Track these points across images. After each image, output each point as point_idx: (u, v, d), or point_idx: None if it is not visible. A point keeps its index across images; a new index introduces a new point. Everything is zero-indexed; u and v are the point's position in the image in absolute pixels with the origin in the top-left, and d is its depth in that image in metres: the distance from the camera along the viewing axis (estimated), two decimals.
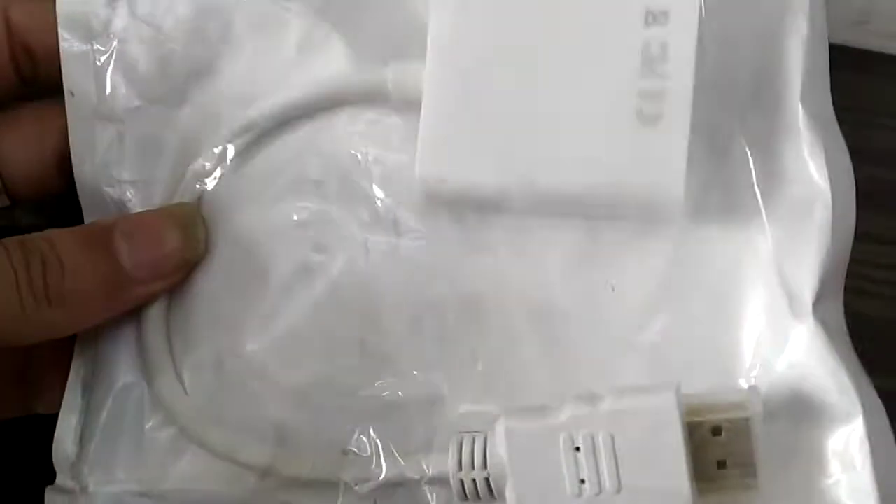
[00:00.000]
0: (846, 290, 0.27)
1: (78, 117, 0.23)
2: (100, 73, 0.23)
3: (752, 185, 0.20)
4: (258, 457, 0.23)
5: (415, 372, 0.22)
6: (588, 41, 0.17)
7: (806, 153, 0.21)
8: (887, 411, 0.25)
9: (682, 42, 0.17)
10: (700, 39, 0.17)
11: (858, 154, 0.37)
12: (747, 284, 0.20)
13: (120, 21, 0.23)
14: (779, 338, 0.20)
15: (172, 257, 0.21)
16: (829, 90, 0.23)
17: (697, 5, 0.17)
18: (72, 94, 0.23)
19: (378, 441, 0.22)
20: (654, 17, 0.17)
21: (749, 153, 0.20)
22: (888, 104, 0.40)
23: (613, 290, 0.20)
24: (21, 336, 0.19)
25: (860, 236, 0.32)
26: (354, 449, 0.23)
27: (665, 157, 0.17)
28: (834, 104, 0.40)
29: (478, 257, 0.21)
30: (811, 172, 0.21)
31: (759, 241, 0.20)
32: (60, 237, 0.20)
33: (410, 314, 0.22)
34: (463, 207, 0.21)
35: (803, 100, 0.21)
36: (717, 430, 0.18)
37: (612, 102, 0.17)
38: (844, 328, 0.23)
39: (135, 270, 0.20)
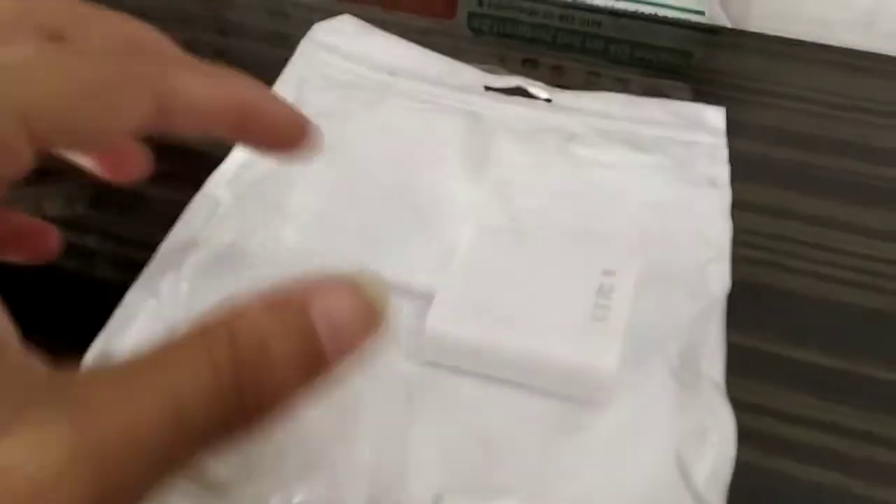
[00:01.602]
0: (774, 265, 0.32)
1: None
2: None
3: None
4: None
5: None
6: (565, 275, 0.27)
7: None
8: (803, 383, 0.28)
9: (622, 285, 0.27)
10: (634, 286, 0.27)
11: (862, 153, 0.38)
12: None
13: None
14: None
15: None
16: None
17: (633, 277, 0.27)
18: None
19: None
20: (607, 272, 0.27)
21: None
22: (892, 104, 0.41)
23: None
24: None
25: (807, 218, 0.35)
26: None
27: (604, 342, 0.25)
28: (836, 105, 0.41)
29: None
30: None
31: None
32: (248, 310, 0.16)
33: None
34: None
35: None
36: None
37: (575, 307, 0.26)
38: None
39: (330, 359, 0.17)
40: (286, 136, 0.22)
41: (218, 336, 0.15)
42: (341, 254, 0.30)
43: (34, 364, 0.15)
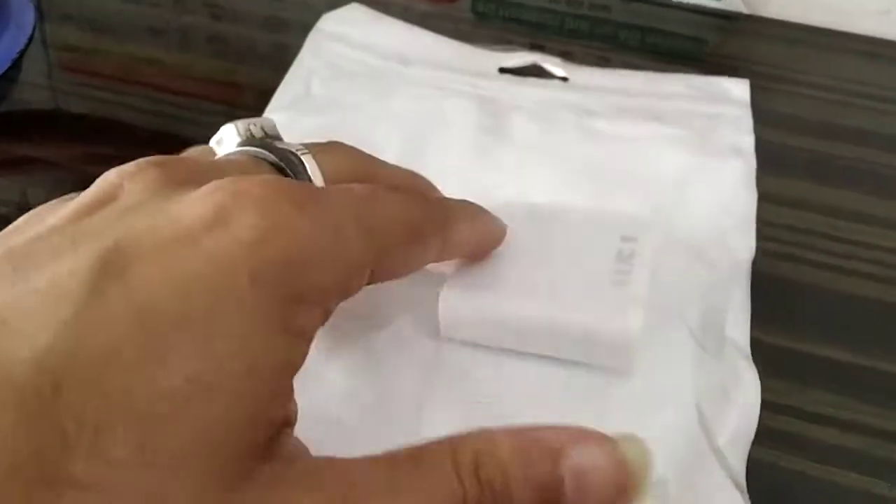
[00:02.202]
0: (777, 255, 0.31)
1: None
2: None
3: None
4: None
5: None
6: (582, 243, 0.26)
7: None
8: (822, 379, 0.27)
9: (642, 250, 0.26)
10: (654, 251, 0.26)
11: (881, 142, 0.37)
12: None
13: None
14: None
15: None
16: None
17: (653, 242, 0.26)
18: None
19: None
20: (626, 238, 0.26)
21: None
22: None
23: None
24: None
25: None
26: None
27: (626, 306, 0.24)
28: (855, 93, 0.40)
29: None
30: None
31: None
32: (499, 444, 0.16)
33: None
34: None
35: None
36: None
37: (594, 274, 0.25)
38: None
39: None
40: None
41: (465, 463, 0.16)
42: None
43: (301, 451, 0.18)
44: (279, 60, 0.40)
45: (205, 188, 0.17)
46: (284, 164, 0.21)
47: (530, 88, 0.37)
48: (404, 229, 0.20)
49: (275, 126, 0.24)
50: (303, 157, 0.21)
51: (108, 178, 0.18)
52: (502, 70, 0.39)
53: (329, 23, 0.41)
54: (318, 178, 0.22)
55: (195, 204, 0.17)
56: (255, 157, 0.21)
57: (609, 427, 0.22)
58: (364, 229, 0.19)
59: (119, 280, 0.15)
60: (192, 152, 0.23)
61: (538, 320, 0.25)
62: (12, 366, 0.14)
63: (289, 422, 0.17)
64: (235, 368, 0.15)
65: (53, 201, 0.19)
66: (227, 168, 0.20)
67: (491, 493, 0.16)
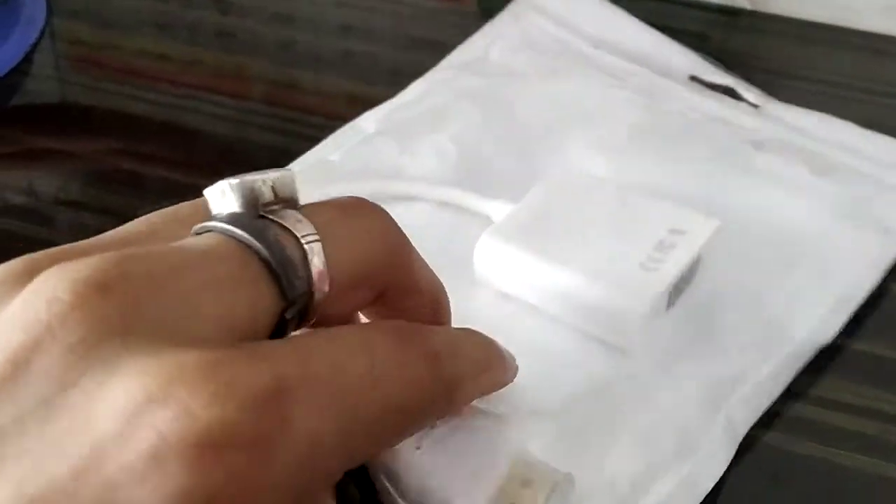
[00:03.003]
0: None
1: None
2: None
3: None
4: None
5: None
6: (630, 224, 0.27)
7: None
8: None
9: (686, 245, 0.26)
10: (700, 248, 0.27)
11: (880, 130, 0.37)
12: None
13: None
14: None
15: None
16: None
17: (701, 240, 0.27)
18: None
19: None
20: (675, 230, 0.27)
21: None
22: None
23: None
24: None
25: None
26: None
27: (641, 290, 0.25)
28: (859, 89, 0.40)
29: None
30: None
31: None
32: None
33: None
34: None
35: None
36: None
37: (627, 254, 0.26)
38: None
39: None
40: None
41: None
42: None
43: None
44: (287, 54, 0.40)
45: (136, 393, 0.13)
46: (278, 266, 0.16)
47: (708, 101, 0.36)
48: (399, 421, 0.17)
49: (291, 182, 0.18)
50: (308, 247, 0.17)
51: (27, 319, 0.14)
52: (692, 78, 0.38)
53: None
54: (322, 284, 0.17)
55: (127, 430, 0.13)
56: (247, 245, 0.17)
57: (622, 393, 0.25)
58: (344, 438, 0.15)
59: None
60: (181, 210, 0.19)
61: (557, 283, 0.26)
62: None
63: None
64: None
65: None
66: (193, 281, 0.15)
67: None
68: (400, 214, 0.20)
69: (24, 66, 0.40)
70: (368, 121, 0.35)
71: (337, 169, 0.32)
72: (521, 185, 0.30)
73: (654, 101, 0.36)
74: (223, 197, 0.17)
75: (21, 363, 0.14)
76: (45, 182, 0.34)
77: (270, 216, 0.17)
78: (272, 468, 0.14)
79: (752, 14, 0.45)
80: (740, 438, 0.25)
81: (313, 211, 0.18)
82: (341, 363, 0.16)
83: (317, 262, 0.17)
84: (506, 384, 0.22)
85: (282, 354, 0.15)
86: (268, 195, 0.18)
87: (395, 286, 0.20)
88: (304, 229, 0.17)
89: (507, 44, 0.38)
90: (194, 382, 0.14)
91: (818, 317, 0.28)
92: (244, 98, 0.39)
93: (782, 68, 0.41)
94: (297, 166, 0.32)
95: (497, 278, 0.27)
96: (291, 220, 0.17)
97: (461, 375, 0.19)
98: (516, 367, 0.22)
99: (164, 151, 0.35)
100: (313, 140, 0.34)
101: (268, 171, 0.18)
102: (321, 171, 0.32)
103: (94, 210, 0.32)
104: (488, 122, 0.34)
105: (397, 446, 0.20)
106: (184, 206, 0.19)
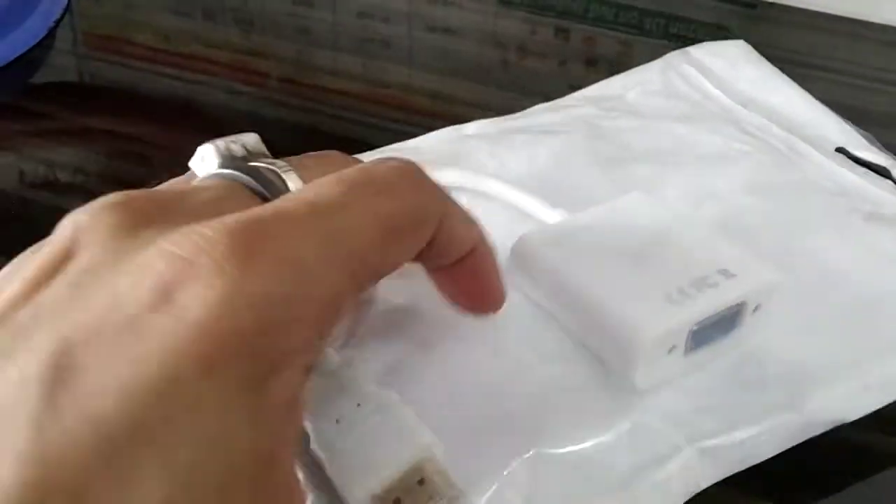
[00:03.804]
0: None
1: None
2: None
3: None
4: None
5: None
6: (677, 255, 0.25)
7: None
8: None
9: (728, 291, 0.24)
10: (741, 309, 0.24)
11: None
12: None
13: None
14: None
15: None
16: None
17: (747, 292, 0.24)
18: None
19: None
20: (723, 272, 0.24)
21: None
22: None
23: None
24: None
25: None
26: None
27: (654, 320, 0.23)
28: (878, 79, 0.40)
29: None
30: None
31: None
32: None
33: None
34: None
35: None
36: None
37: (660, 283, 0.24)
38: None
39: None
40: (477, 291, 0.23)
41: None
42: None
43: None
44: (304, 35, 0.41)
45: (149, 251, 0.16)
46: (263, 185, 0.19)
47: (845, 172, 0.33)
48: (383, 232, 0.18)
49: (258, 142, 0.21)
50: (284, 175, 0.19)
51: (64, 231, 0.17)
52: (839, 150, 0.34)
53: (701, 52, 0.39)
54: None
55: (139, 278, 0.15)
56: (232, 180, 0.19)
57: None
58: (332, 251, 0.17)
59: (70, 388, 0.14)
60: (172, 182, 0.22)
61: (575, 296, 0.25)
62: None
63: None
64: (205, 485, 0.14)
65: (19, 257, 0.17)
66: (195, 200, 0.18)
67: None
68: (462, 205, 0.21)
69: (47, 41, 0.41)
70: (474, 125, 0.34)
71: (418, 154, 0.32)
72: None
73: (784, 163, 0.33)
74: (203, 161, 0.20)
75: (62, 256, 0.16)
76: (65, 155, 0.34)
77: (248, 164, 0.20)
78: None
79: (771, 6, 0.45)
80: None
81: (288, 159, 0.20)
82: (321, 193, 0.18)
83: (292, 184, 0.19)
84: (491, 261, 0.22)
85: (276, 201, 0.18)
86: (240, 151, 0.20)
87: None
88: (277, 164, 0.20)
89: (648, 88, 0.37)
90: (196, 231, 0.16)
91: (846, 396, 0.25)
92: (263, 76, 0.39)
93: (800, 59, 0.41)
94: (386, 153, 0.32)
95: (522, 281, 0.26)
96: (265, 160, 0.20)
97: (452, 208, 0.20)
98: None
99: (180, 128, 0.35)
100: (333, 118, 0.35)
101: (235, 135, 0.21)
102: (400, 153, 0.32)
103: (112, 184, 0.32)
104: (593, 145, 0.33)
105: (318, 415, 0.20)
106: (179, 178, 0.21)
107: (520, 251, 0.26)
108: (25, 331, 0.15)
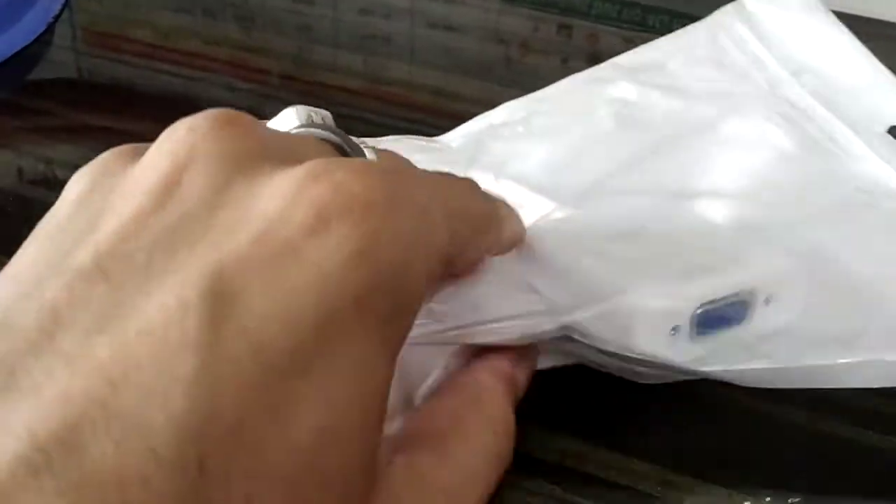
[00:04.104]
0: None
1: None
2: None
3: None
4: None
5: None
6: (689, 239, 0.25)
7: None
8: None
9: (737, 276, 0.24)
10: None
11: None
12: None
13: None
14: None
15: None
16: None
17: (759, 276, 0.24)
18: None
19: None
20: (734, 260, 0.24)
21: None
22: None
23: None
24: None
25: None
26: None
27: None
28: None
29: None
30: None
31: None
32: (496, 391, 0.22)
33: None
34: None
35: None
36: None
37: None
38: None
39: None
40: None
41: (497, 421, 0.22)
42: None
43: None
44: (304, 31, 0.40)
45: (296, 176, 0.15)
46: (349, 148, 0.19)
47: (881, 167, 0.30)
48: (476, 217, 0.20)
49: (331, 118, 0.21)
50: (364, 150, 0.20)
51: (172, 146, 0.16)
52: (892, 130, 0.32)
53: (756, 1, 0.36)
54: None
55: (293, 202, 0.15)
56: (320, 139, 0.19)
57: None
58: (446, 214, 0.18)
59: (232, 315, 0.13)
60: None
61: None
62: (153, 435, 0.12)
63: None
64: (352, 413, 0.14)
65: (100, 168, 0.17)
66: (299, 144, 0.18)
67: (510, 438, 0.21)
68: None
69: (45, 37, 0.40)
70: (504, 109, 0.33)
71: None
72: None
73: (810, 154, 0.31)
74: (286, 122, 0.20)
75: (174, 177, 0.15)
76: (64, 152, 0.34)
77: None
78: (404, 222, 0.16)
79: None
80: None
81: None
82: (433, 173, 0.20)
83: (370, 156, 0.19)
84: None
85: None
86: (319, 120, 0.20)
87: None
88: (355, 139, 0.20)
89: (692, 55, 0.34)
90: (340, 168, 0.16)
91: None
92: (263, 73, 0.39)
93: None
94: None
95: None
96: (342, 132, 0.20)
97: (505, 210, 0.23)
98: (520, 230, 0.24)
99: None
100: (334, 115, 0.34)
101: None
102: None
103: None
104: (618, 136, 0.31)
105: None
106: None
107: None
108: (166, 256, 0.14)
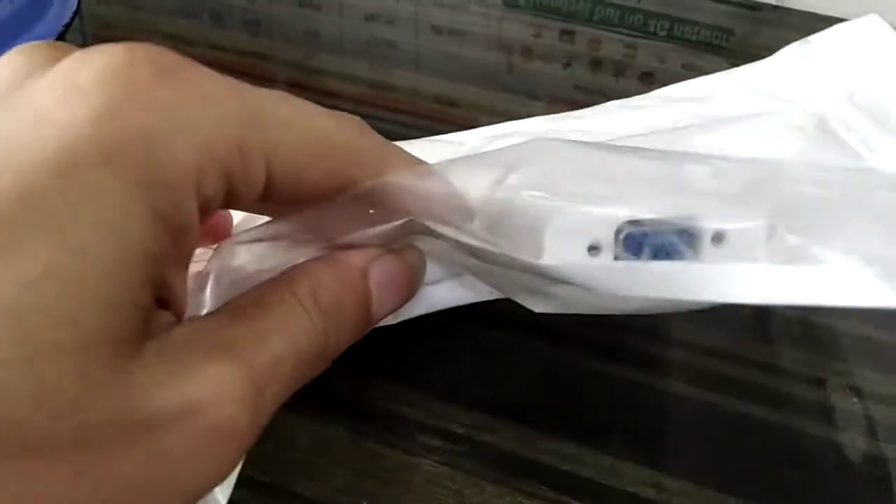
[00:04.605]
0: None
1: None
2: None
3: None
4: None
5: None
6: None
7: None
8: None
9: (680, 204, 0.21)
10: None
11: None
12: None
13: None
14: None
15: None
16: None
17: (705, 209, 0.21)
18: None
19: None
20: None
21: None
22: None
23: None
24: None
25: None
26: None
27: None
28: None
29: None
30: None
31: None
32: (322, 275, 0.20)
33: None
34: None
35: None
36: None
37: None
38: None
39: (375, 318, 0.21)
40: None
41: (305, 295, 0.19)
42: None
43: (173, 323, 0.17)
44: (310, 38, 0.41)
45: (65, 62, 0.16)
46: None
47: None
48: (324, 141, 0.19)
49: None
50: None
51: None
52: None
53: (823, 40, 0.34)
54: None
55: (51, 80, 0.16)
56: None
57: None
58: (248, 111, 0.17)
59: None
60: None
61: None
62: None
63: (166, 304, 0.17)
64: (88, 258, 0.14)
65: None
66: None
67: (332, 318, 0.19)
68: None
69: None
70: (528, 123, 0.33)
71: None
72: None
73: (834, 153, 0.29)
74: None
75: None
76: None
77: None
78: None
79: (777, 9, 0.45)
80: None
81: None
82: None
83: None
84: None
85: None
86: None
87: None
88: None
89: (743, 89, 0.33)
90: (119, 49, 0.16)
91: None
92: (269, 79, 0.39)
93: None
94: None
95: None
96: None
97: (397, 157, 0.20)
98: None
99: None
100: None
101: None
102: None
103: None
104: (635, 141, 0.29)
105: None
106: None
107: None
108: None
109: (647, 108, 0.33)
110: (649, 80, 0.40)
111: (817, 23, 0.44)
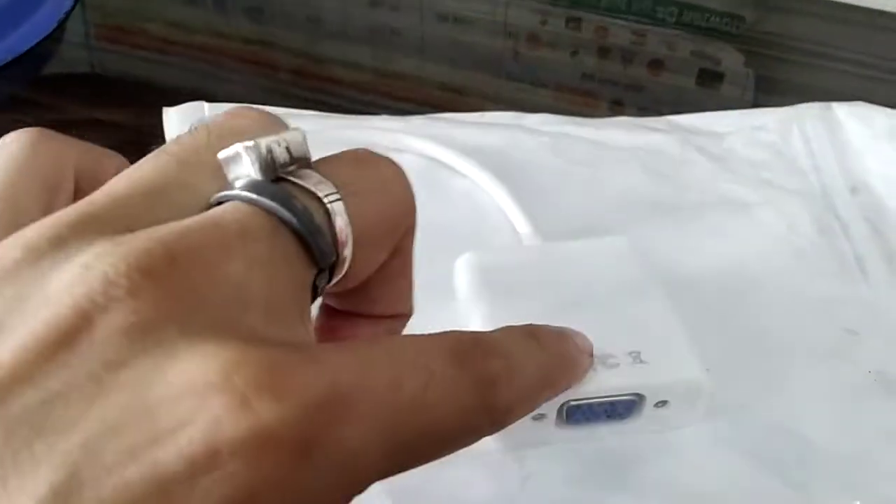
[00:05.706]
0: None
1: None
2: None
3: None
4: None
5: None
6: (602, 321, 0.24)
7: None
8: None
9: (624, 377, 0.23)
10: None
11: None
12: None
13: None
14: None
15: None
16: None
17: (650, 382, 0.23)
18: None
19: None
20: (635, 355, 0.23)
21: None
22: None
23: None
24: None
25: None
26: None
27: None
28: (889, 69, 0.39)
29: None
30: None
31: None
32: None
33: None
34: None
35: None
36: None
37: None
38: None
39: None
40: None
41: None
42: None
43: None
44: (314, 24, 0.40)
45: (201, 370, 0.13)
46: (309, 237, 0.16)
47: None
48: (439, 446, 0.16)
49: (303, 142, 0.17)
50: (331, 207, 0.17)
51: (83, 289, 0.14)
52: None
53: (845, 111, 0.35)
54: (345, 245, 0.17)
55: (187, 415, 0.13)
56: (269, 212, 0.16)
57: None
58: (385, 453, 0.15)
59: None
60: (184, 152, 0.17)
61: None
62: None
63: None
64: None
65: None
66: (235, 260, 0.15)
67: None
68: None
69: (56, 33, 0.41)
70: (537, 118, 0.34)
71: (480, 129, 0.32)
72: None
73: (824, 277, 0.29)
74: (239, 160, 0.16)
75: (70, 338, 0.13)
76: None
77: (290, 178, 0.17)
78: (313, 472, 0.14)
79: None
80: None
81: (329, 168, 0.17)
82: (397, 380, 0.15)
83: (340, 222, 0.17)
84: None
85: (341, 362, 0.15)
86: (283, 157, 0.17)
87: (408, 236, 0.19)
88: (325, 189, 0.17)
89: (757, 137, 0.34)
90: (256, 378, 0.13)
91: None
92: (273, 66, 0.39)
93: (815, 48, 0.41)
94: None
95: (461, 294, 0.26)
96: (312, 180, 0.17)
97: (514, 403, 0.18)
98: (587, 366, 0.22)
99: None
100: (343, 108, 0.35)
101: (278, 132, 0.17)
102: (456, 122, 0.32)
103: None
104: (644, 188, 0.32)
105: None
106: (186, 148, 0.17)
107: (462, 266, 0.26)
108: (32, 432, 0.13)
109: (657, 130, 0.34)
110: (658, 68, 0.40)
111: (827, 9, 0.43)
